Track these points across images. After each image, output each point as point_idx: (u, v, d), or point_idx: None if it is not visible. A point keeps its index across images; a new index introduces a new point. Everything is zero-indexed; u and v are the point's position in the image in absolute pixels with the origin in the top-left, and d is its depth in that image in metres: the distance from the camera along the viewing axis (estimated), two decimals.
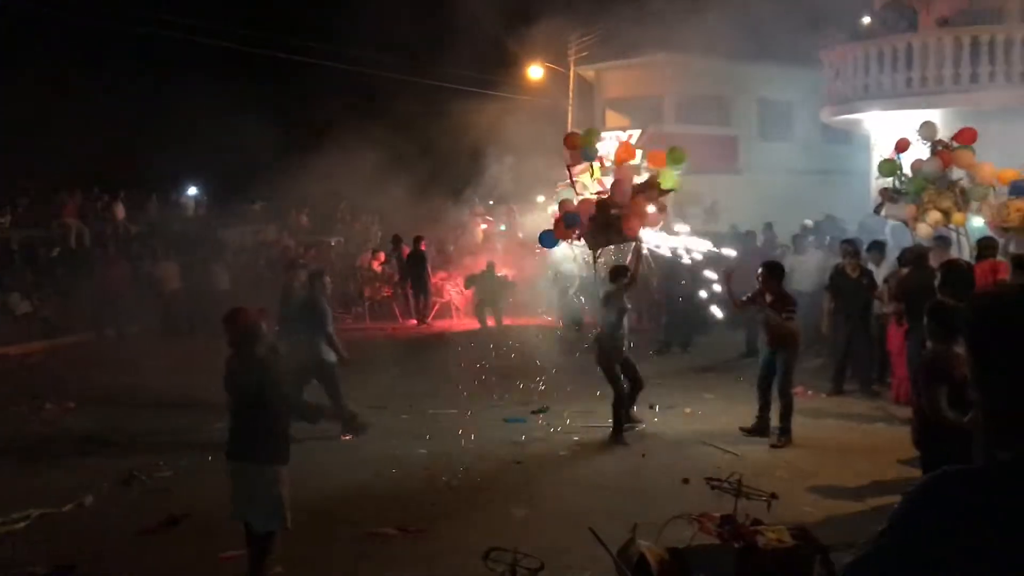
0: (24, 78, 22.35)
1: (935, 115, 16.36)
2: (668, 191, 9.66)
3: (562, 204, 10.02)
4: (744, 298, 9.48)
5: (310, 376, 9.37)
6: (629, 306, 9.89)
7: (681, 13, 19.83)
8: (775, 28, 18.54)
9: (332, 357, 9.57)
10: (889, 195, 11.68)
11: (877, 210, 12.11)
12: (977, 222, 11.15)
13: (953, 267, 9.83)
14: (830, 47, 18.75)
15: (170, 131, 27.39)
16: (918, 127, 11.67)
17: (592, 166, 9.97)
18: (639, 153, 10.17)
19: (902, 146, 11.51)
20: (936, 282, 7.31)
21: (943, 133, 11.79)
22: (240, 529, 5.74)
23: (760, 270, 9.36)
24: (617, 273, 9.64)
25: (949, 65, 16.38)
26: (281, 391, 5.72)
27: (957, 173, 11.20)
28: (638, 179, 9.76)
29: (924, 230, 11.03)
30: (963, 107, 15.42)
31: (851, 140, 20.66)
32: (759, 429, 9.29)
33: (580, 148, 9.91)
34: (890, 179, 11.79)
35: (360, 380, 11.95)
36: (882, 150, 18.18)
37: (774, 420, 9.22)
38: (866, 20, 19.54)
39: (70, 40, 21.82)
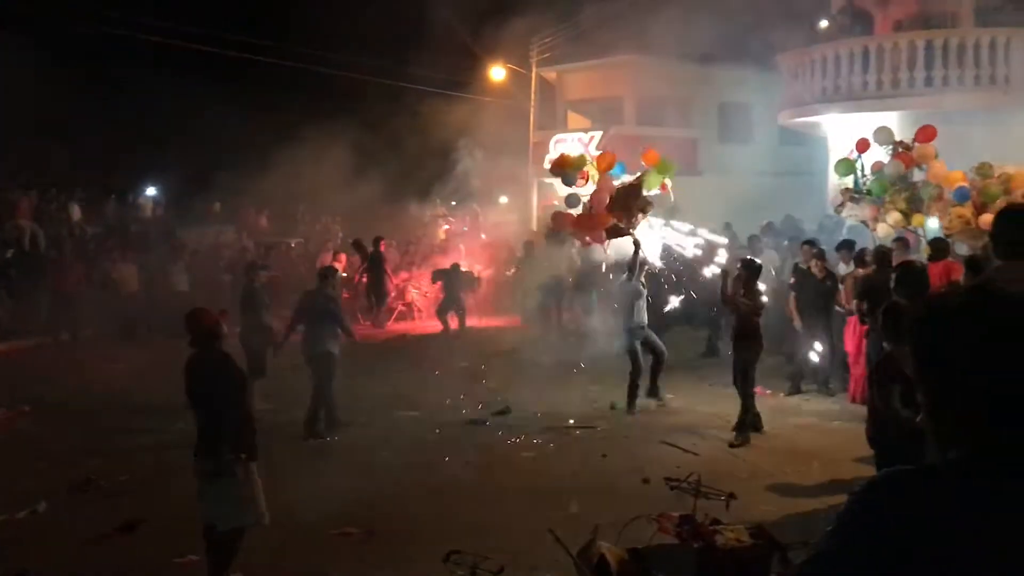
0: None
1: (891, 117, 16.65)
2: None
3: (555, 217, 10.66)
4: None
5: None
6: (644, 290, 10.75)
7: (641, 15, 19.98)
8: (734, 31, 18.73)
9: (336, 350, 9.93)
10: (850, 195, 11.83)
11: (838, 210, 12.25)
12: (933, 223, 11.32)
13: (907, 268, 9.97)
14: (788, 50, 18.98)
15: (129, 131, 27.07)
16: (874, 131, 11.84)
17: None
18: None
19: (862, 146, 11.66)
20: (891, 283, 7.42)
21: (899, 135, 11.98)
22: (197, 532, 5.68)
23: (738, 266, 9.68)
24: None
25: (904, 68, 16.65)
26: (244, 390, 5.73)
27: (918, 175, 11.37)
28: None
29: (884, 230, 11.19)
30: (919, 110, 15.68)
31: (809, 142, 20.92)
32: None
33: (567, 170, 10.41)
34: (848, 179, 11.95)
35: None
36: (839, 152, 18.46)
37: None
38: (823, 24, 19.80)
39: (22, 37, 21.39)
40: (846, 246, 11.82)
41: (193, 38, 22.72)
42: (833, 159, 18.76)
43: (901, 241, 11.00)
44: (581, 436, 9.65)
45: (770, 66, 20.06)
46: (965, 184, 10.75)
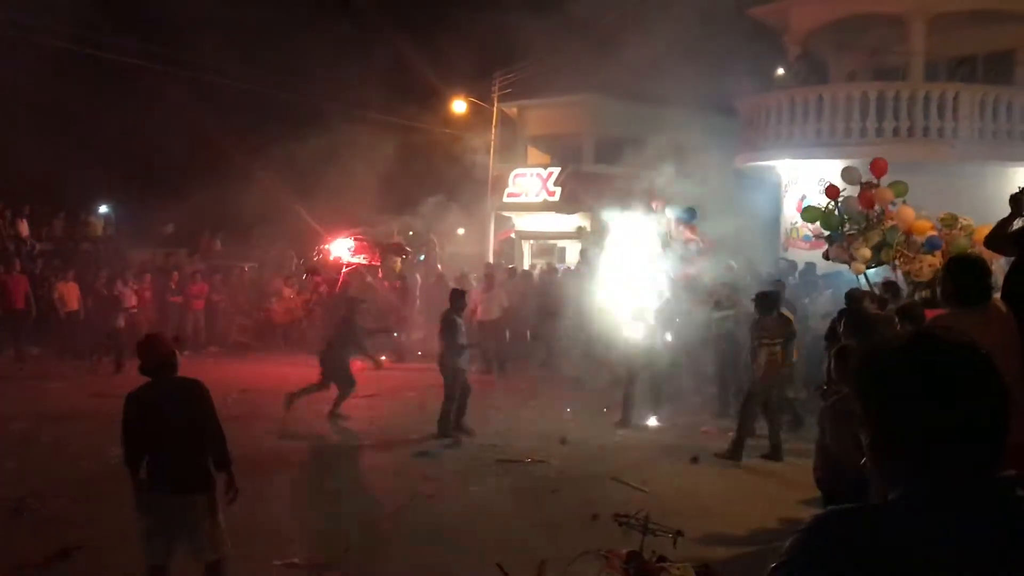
0: None
1: (844, 165, 17.04)
2: None
3: None
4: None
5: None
6: None
7: (601, 56, 20.26)
8: (693, 75, 19.05)
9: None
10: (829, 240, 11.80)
11: (826, 255, 12.16)
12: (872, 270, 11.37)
13: (854, 312, 10.15)
14: (745, 96, 19.35)
15: (82, 148, 26.67)
16: (841, 172, 11.92)
17: None
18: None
19: (832, 193, 11.73)
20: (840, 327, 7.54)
21: (850, 183, 12.12)
22: (133, 559, 5.52)
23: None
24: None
25: (857, 118, 17.06)
26: (215, 417, 5.37)
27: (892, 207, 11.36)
28: None
29: (857, 267, 11.18)
30: (868, 159, 15.96)
31: (763, 186, 21.28)
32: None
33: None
34: (815, 225, 11.98)
35: (270, 410, 11.75)
36: (793, 196, 18.84)
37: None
38: (780, 71, 20.25)
39: None
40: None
41: (152, 57, 22.54)
42: (787, 202, 19.19)
43: (890, 284, 10.88)
44: (532, 470, 9.62)
45: (727, 110, 20.42)
46: (935, 233, 10.86)
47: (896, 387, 1.56)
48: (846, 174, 11.76)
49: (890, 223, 11.01)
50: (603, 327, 12.30)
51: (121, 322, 16.64)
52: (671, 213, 13.45)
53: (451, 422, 10.91)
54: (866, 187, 11.32)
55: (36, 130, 24.27)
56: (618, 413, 11.75)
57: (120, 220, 25.36)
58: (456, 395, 11.04)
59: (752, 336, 10.34)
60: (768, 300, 10.33)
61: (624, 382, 11.75)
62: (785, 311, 11.38)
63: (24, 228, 20.79)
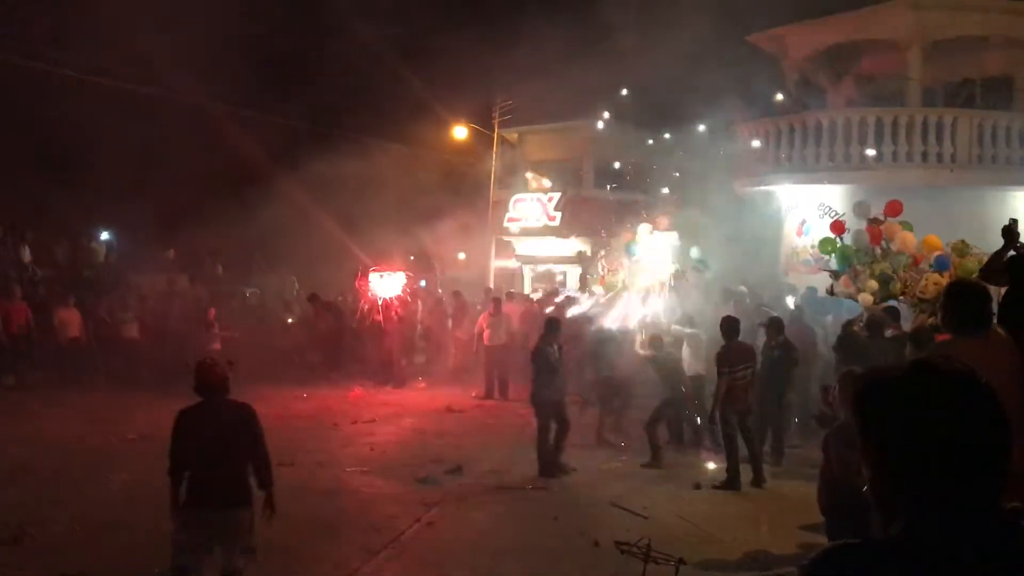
0: None
1: (842, 191, 17.13)
2: None
3: None
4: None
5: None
6: None
7: (600, 82, 20.40)
8: (692, 101, 19.19)
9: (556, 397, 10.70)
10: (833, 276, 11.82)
11: (830, 291, 12.16)
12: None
13: (849, 338, 10.16)
14: (744, 121, 19.46)
15: (84, 173, 26.78)
16: (852, 206, 11.96)
17: None
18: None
19: (838, 228, 11.75)
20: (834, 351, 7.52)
21: (847, 208, 12.21)
22: None
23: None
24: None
25: (855, 143, 17.14)
26: (263, 439, 5.72)
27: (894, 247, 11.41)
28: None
29: (865, 299, 11.21)
30: (868, 184, 16.13)
31: (763, 210, 21.32)
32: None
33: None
34: (830, 256, 11.97)
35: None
36: (793, 220, 18.90)
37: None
38: (779, 97, 20.37)
39: None
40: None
41: (156, 85, 22.67)
42: (787, 227, 19.23)
43: (891, 310, 10.88)
44: (533, 497, 9.58)
45: (726, 135, 20.51)
46: (943, 252, 10.84)
47: (895, 419, 1.55)
48: (858, 208, 11.78)
49: (895, 252, 11.07)
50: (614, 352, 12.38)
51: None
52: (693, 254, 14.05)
53: (552, 459, 10.43)
54: (873, 223, 11.35)
55: (39, 156, 24.42)
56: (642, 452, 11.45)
57: (121, 246, 25.39)
58: (550, 428, 10.56)
59: (717, 362, 10.29)
60: (732, 327, 10.31)
61: (648, 419, 11.27)
62: (787, 337, 11.40)
63: (26, 254, 20.81)
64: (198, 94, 23.15)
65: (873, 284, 10.99)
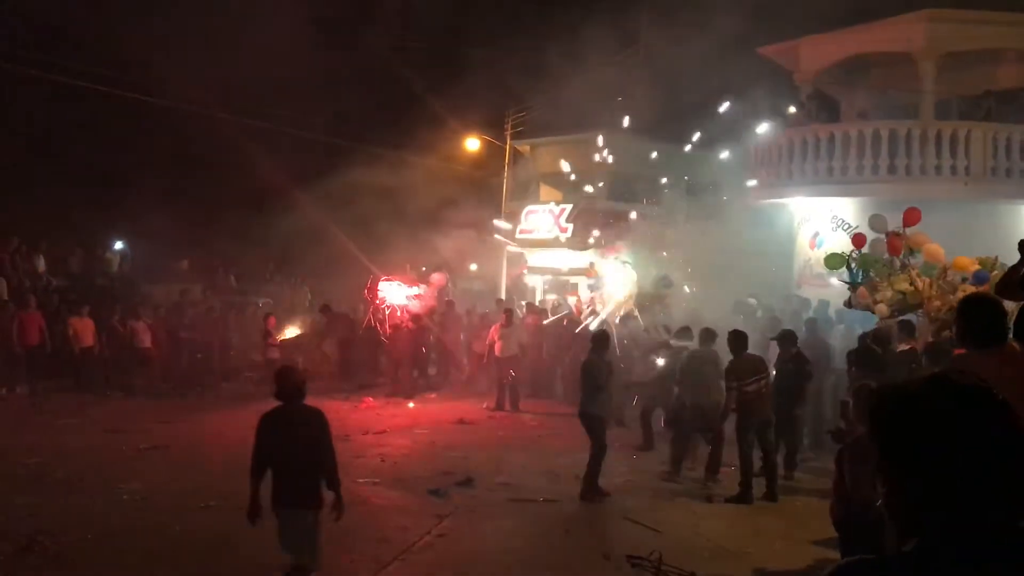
0: None
1: (856, 203, 17.07)
2: None
3: None
4: None
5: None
6: None
7: (612, 93, 20.42)
8: (703, 112, 19.18)
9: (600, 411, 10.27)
10: (850, 287, 11.72)
11: (848, 303, 12.05)
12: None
13: (864, 350, 10.08)
14: (758, 134, 19.42)
15: (99, 184, 26.99)
16: (868, 219, 11.85)
17: None
18: None
19: (859, 242, 11.67)
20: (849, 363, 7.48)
21: (860, 221, 12.12)
22: None
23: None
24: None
25: (869, 156, 17.09)
26: (332, 443, 6.13)
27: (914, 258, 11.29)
28: None
29: (882, 311, 11.10)
30: (881, 197, 16.05)
31: (776, 222, 21.29)
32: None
33: None
34: (839, 271, 11.89)
35: None
36: (805, 233, 18.85)
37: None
38: (792, 109, 20.34)
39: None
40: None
41: (172, 97, 22.79)
42: (800, 239, 19.19)
43: (905, 324, 10.75)
44: (545, 510, 9.55)
45: (739, 147, 20.49)
46: (980, 267, 10.70)
47: (911, 433, 1.54)
48: (874, 221, 11.68)
49: (921, 261, 10.95)
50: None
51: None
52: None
53: (594, 482, 9.97)
54: (892, 234, 11.27)
55: (53, 166, 24.60)
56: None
57: (136, 256, 25.53)
58: (606, 448, 10.18)
59: (725, 377, 10.21)
60: (740, 340, 10.24)
61: (675, 436, 11.16)
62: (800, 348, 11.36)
63: (40, 264, 20.95)
64: (216, 107, 23.26)
65: (891, 296, 10.89)
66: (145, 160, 25.66)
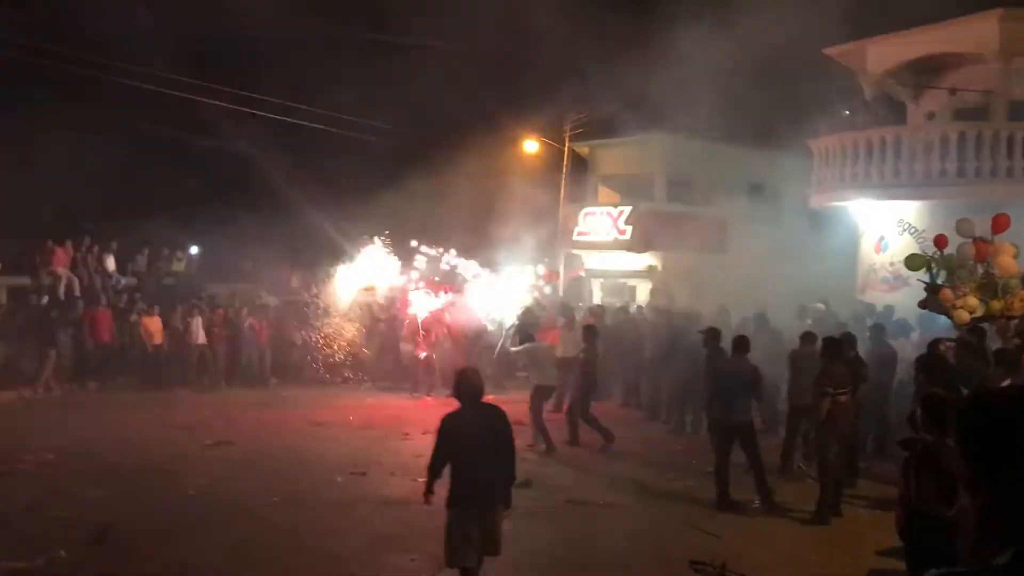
0: (18, 121, 22.58)
1: (923, 207, 16.72)
2: None
3: None
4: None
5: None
6: None
7: (673, 96, 20.28)
8: (765, 114, 18.94)
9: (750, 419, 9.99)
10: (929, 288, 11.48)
11: (922, 304, 11.81)
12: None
13: (933, 357, 9.81)
14: (820, 135, 19.15)
15: (172, 185, 27.77)
16: (956, 223, 11.59)
17: None
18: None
19: (941, 243, 11.43)
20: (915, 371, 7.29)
21: (927, 224, 11.86)
22: None
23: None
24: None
25: (937, 159, 16.71)
26: (512, 440, 6.30)
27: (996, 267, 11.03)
28: None
29: (961, 316, 10.87)
30: (949, 200, 15.70)
31: (838, 225, 20.95)
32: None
33: None
34: (919, 272, 11.64)
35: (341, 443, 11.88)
36: (870, 236, 18.51)
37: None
38: (850, 111, 20.00)
39: (69, 86, 21.99)
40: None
41: (238, 97, 23.16)
42: (864, 243, 18.86)
43: (977, 331, 10.53)
44: (604, 513, 9.53)
45: (799, 149, 20.21)
46: None
47: (1010, 442, 1.51)
48: (961, 226, 11.40)
49: (1004, 276, 10.72)
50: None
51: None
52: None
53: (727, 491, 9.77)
54: (980, 240, 11.01)
55: (122, 163, 25.27)
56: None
57: (205, 255, 26.07)
58: (729, 452, 9.87)
59: (815, 383, 9.74)
60: (833, 346, 9.61)
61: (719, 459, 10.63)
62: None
63: (111, 263, 21.50)
64: (281, 108, 23.62)
65: (973, 302, 10.62)
66: (214, 161, 26.25)
